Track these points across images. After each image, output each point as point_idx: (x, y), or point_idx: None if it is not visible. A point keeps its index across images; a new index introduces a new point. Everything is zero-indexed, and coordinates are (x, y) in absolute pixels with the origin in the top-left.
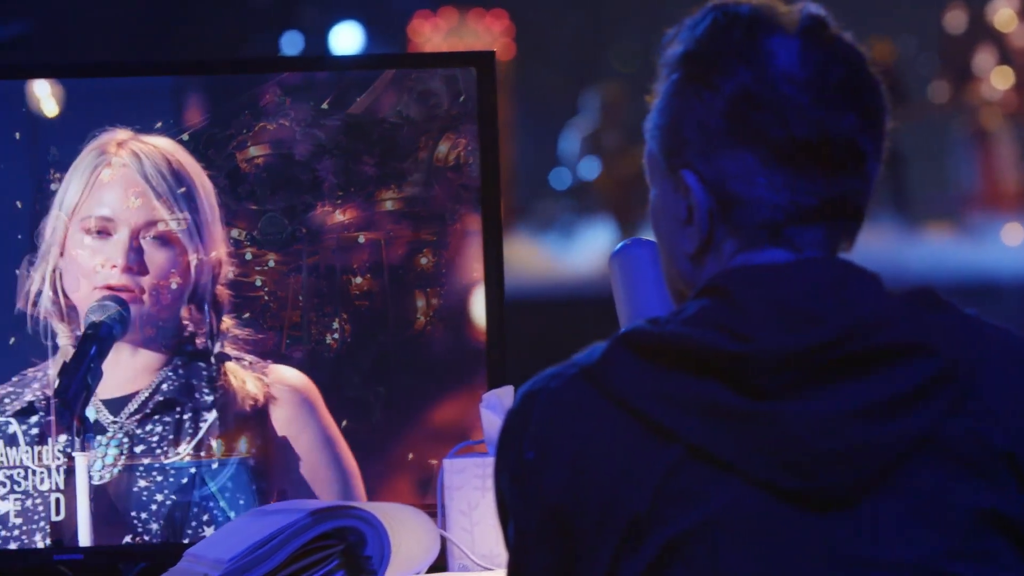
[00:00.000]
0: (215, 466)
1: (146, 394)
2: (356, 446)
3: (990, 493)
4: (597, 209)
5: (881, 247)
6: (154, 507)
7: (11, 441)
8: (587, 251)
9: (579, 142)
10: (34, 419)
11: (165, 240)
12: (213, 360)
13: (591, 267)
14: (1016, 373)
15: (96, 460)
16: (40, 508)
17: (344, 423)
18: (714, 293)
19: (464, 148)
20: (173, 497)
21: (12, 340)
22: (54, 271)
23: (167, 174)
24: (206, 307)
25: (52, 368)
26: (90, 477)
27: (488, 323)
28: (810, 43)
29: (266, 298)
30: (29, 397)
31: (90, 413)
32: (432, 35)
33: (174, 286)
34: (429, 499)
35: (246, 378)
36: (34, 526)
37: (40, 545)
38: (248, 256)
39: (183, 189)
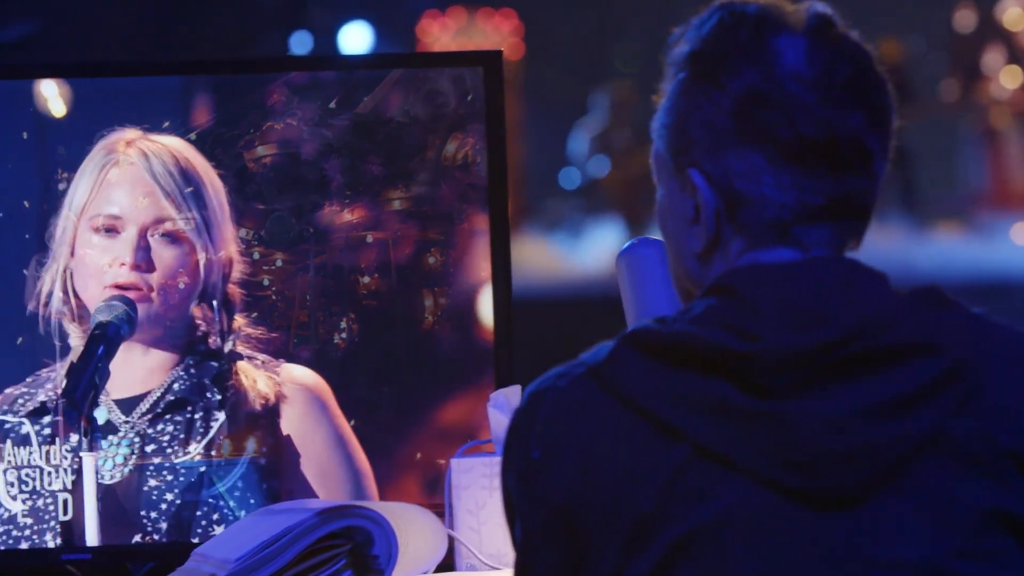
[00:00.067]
0: (226, 465)
1: (158, 393)
2: (364, 446)
3: (996, 492)
4: (606, 208)
5: (890, 246)
6: (164, 506)
7: (24, 441)
8: (596, 250)
9: (588, 141)
10: (47, 419)
11: (174, 238)
12: (224, 359)
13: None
14: (1022, 372)
15: (107, 460)
16: (51, 508)
17: (352, 423)
18: (721, 292)
19: (471, 147)
20: (183, 497)
21: (20, 340)
22: (65, 271)
23: (175, 173)
24: (216, 306)
25: (64, 369)
26: (99, 477)
27: (496, 322)
28: (817, 42)
29: (273, 298)
30: (42, 397)
31: (102, 413)
32: (441, 35)
33: (183, 285)
34: (437, 498)
35: (257, 377)
36: (45, 526)
37: (51, 545)
38: (255, 255)
39: (192, 188)
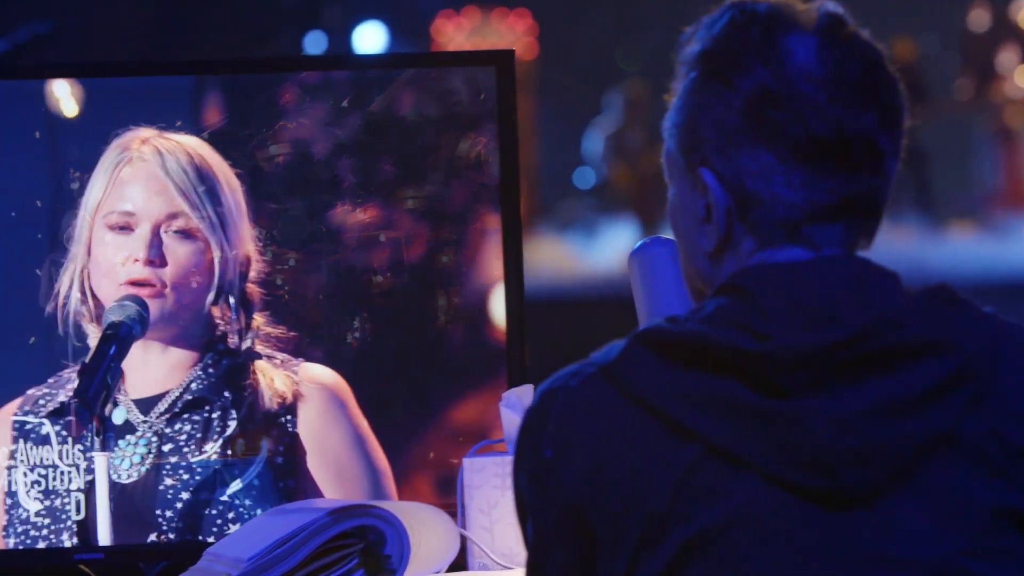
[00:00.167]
0: (242, 464)
1: (176, 393)
2: None
3: (1008, 491)
4: (620, 208)
5: (904, 246)
6: (180, 506)
7: (45, 441)
8: (610, 250)
9: (602, 141)
10: (66, 420)
11: (188, 235)
12: (243, 358)
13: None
14: None
15: (124, 459)
16: (68, 508)
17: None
18: (732, 291)
19: (484, 147)
20: (199, 496)
21: (32, 340)
22: (82, 272)
23: (189, 170)
24: (234, 304)
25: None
26: (116, 476)
27: (508, 322)
28: (828, 41)
29: (286, 297)
30: (63, 398)
31: (120, 413)
32: (455, 34)
33: (197, 282)
34: (449, 498)
35: (275, 376)
36: (61, 525)
37: (68, 545)
38: (268, 255)
39: (206, 185)
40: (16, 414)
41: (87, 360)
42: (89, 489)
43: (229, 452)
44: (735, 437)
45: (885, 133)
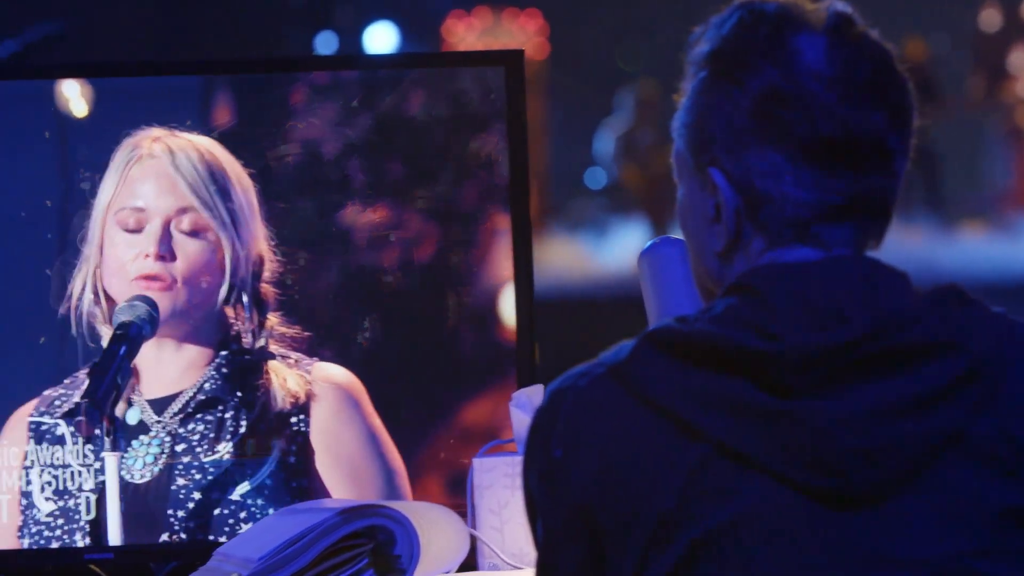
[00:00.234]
0: (254, 464)
1: (190, 393)
2: None
3: (1017, 491)
4: (631, 208)
5: (915, 246)
6: (192, 506)
7: (60, 442)
8: (621, 250)
9: (613, 141)
10: (77, 420)
11: (198, 230)
12: (256, 358)
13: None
14: None
15: (137, 459)
16: (81, 508)
17: None
18: (741, 291)
19: (494, 147)
20: (211, 495)
21: (42, 339)
22: (95, 273)
23: (200, 168)
24: (248, 304)
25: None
26: (129, 476)
27: (518, 322)
28: (837, 41)
29: (296, 297)
30: (77, 399)
31: (134, 413)
32: (466, 35)
33: (208, 279)
34: (459, 498)
35: (287, 376)
36: (74, 526)
37: (80, 545)
38: (278, 255)
39: (217, 183)
40: (32, 415)
41: (97, 360)
42: (101, 489)
43: (241, 452)
44: (744, 437)
45: (894, 133)
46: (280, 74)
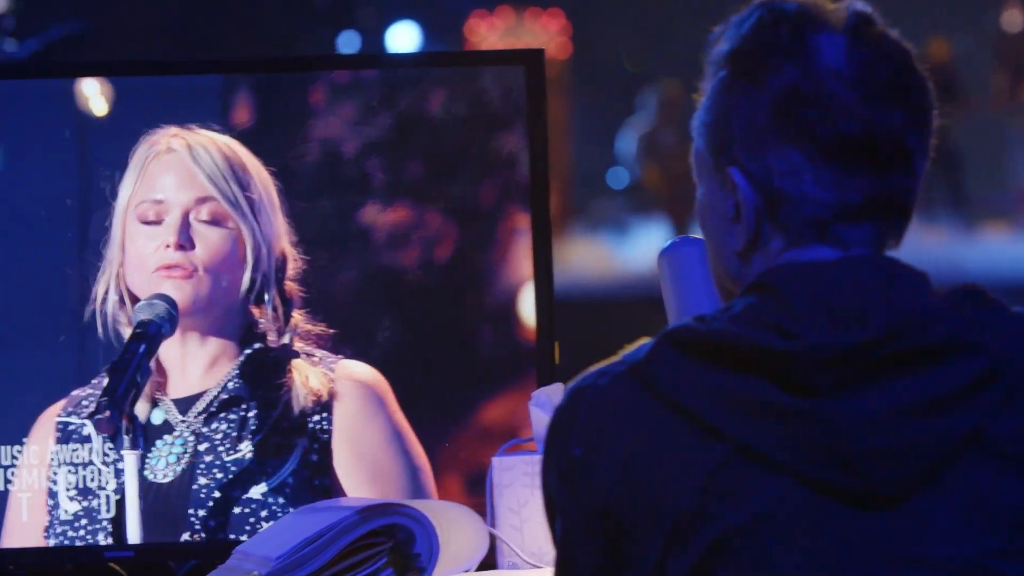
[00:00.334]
0: (276, 462)
1: (214, 392)
2: None
3: None
4: (653, 208)
5: (937, 247)
6: (213, 504)
7: (86, 442)
8: (642, 250)
9: (636, 141)
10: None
11: (218, 221)
12: (280, 356)
13: (646, 265)
14: None
15: (160, 459)
16: (102, 507)
17: None
18: (761, 290)
19: (514, 146)
20: (233, 494)
21: (61, 338)
22: (118, 274)
23: (219, 160)
24: (270, 300)
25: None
26: (152, 476)
27: (538, 321)
28: (857, 40)
29: (316, 296)
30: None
31: (159, 413)
32: (488, 34)
33: (229, 269)
34: (479, 497)
35: (310, 374)
36: (97, 526)
37: (103, 543)
38: (300, 253)
39: (236, 175)
40: (60, 415)
41: (115, 359)
42: (122, 488)
43: (263, 451)
44: (763, 436)
45: (914, 132)
46: (300, 73)
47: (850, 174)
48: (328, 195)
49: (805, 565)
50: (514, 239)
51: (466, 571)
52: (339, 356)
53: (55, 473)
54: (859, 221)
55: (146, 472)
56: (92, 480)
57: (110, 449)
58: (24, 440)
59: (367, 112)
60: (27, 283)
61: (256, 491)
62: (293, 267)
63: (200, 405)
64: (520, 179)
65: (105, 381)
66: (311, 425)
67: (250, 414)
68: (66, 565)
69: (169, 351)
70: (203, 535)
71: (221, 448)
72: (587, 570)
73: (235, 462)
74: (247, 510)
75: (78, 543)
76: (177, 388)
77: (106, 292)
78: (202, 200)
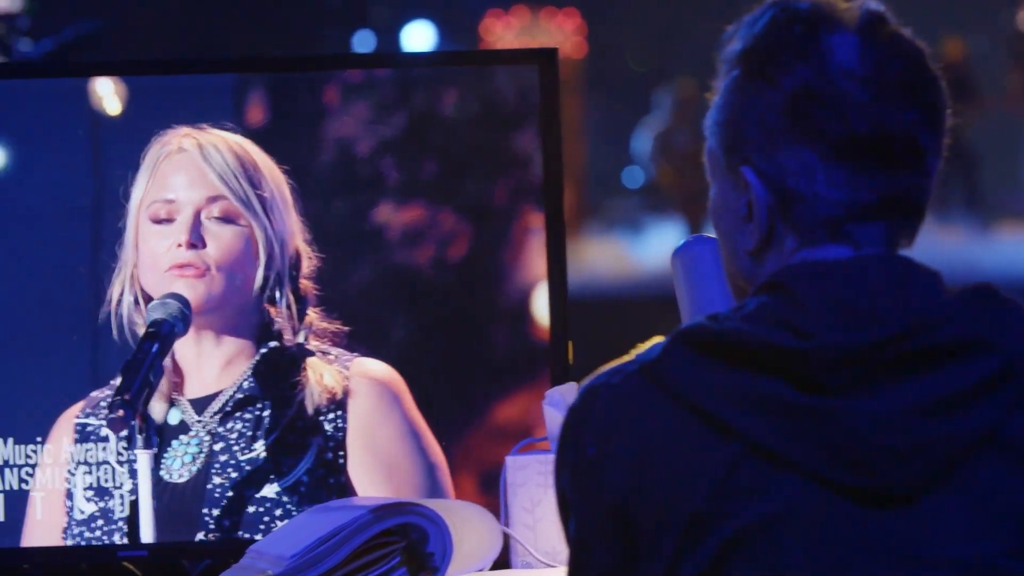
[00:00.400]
0: (291, 461)
1: (230, 392)
2: None
3: None
4: (667, 207)
5: (953, 246)
6: (227, 504)
7: (104, 442)
8: (657, 249)
9: (651, 140)
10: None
11: (230, 219)
12: (295, 354)
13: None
14: None
15: (175, 459)
16: (116, 506)
17: None
18: (774, 290)
19: (528, 145)
20: (248, 493)
21: (74, 337)
22: (132, 275)
23: (230, 159)
24: (284, 298)
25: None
26: (167, 476)
27: (551, 320)
28: (869, 39)
29: (330, 295)
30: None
31: (176, 413)
32: (504, 33)
33: (242, 267)
34: (492, 496)
35: (324, 372)
36: (113, 526)
37: (118, 543)
38: (314, 251)
39: (247, 173)
40: (79, 416)
41: (129, 358)
42: (136, 488)
43: (278, 450)
44: (776, 435)
45: (927, 131)
46: (314, 72)
47: (863, 173)
48: (342, 194)
49: (818, 564)
50: (528, 238)
51: (479, 570)
52: (354, 354)
53: (71, 473)
54: (872, 220)
55: (161, 472)
56: (106, 481)
57: (124, 449)
58: (39, 440)
59: (381, 111)
60: (40, 282)
61: (270, 490)
62: (308, 265)
63: (216, 405)
64: (534, 178)
65: (119, 381)
66: (326, 424)
67: (265, 413)
68: (80, 564)
69: (185, 351)
70: (217, 534)
71: (236, 447)
72: (600, 569)
73: (250, 461)
74: (261, 509)
75: (94, 542)
76: (193, 388)
77: (121, 293)
78: (213, 199)
